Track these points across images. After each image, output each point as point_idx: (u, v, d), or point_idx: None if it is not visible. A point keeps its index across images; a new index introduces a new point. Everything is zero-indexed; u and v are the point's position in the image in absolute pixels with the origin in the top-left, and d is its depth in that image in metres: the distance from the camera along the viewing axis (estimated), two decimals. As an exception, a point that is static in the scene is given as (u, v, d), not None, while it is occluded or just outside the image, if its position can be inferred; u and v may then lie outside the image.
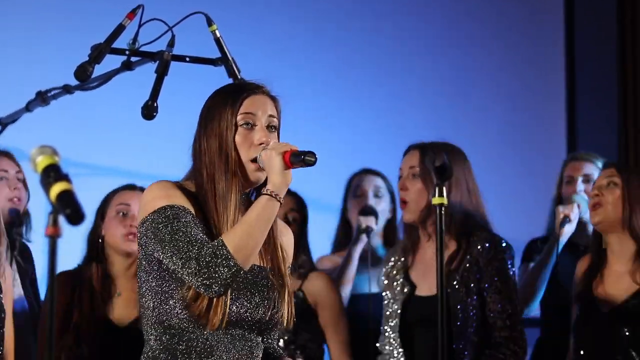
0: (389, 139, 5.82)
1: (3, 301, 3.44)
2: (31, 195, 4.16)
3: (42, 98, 3.59)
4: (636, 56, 6.35)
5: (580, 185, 4.60)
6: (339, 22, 5.92)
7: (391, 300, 3.99)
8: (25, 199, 4.15)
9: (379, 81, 5.99)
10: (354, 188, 4.87)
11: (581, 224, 4.40)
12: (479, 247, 3.85)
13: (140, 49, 3.60)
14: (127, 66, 3.63)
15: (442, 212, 3.35)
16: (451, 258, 3.87)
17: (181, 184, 2.89)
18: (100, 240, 4.02)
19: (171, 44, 3.58)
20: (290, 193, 4.29)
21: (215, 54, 3.68)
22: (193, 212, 2.80)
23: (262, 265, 2.89)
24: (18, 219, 4.10)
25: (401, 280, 3.97)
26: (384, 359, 3.99)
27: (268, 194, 2.78)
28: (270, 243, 2.90)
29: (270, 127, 2.88)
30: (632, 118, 6.31)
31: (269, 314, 2.87)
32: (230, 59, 3.65)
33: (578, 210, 4.34)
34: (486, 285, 3.84)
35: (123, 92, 4.10)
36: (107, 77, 3.61)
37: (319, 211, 4.81)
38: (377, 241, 4.81)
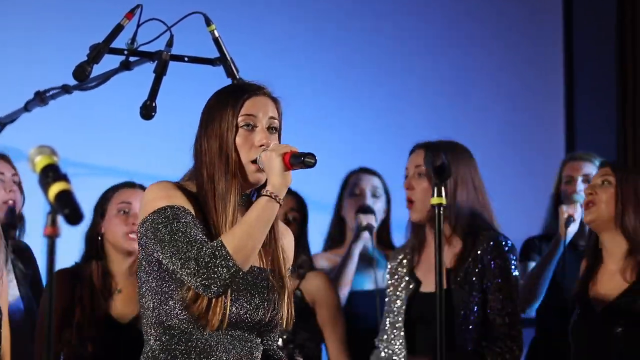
0: (389, 139, 5.82)
1: (-1, 302, 3.45)
2: (29, 196, 4.15)
3: (41, 98, 3.59)
4: (635, 56, 6.35)
5: (580, 185, 4.61)
6: (338, 22, 5.91)
7: (393, 297, 4.01)
8: (21, 202, 4.14)
9: (378, 81, 5.98)
10: (351, 186, 4.87)
11: (581, 224, 4.41)
12: (484, 246, 3.87)
13: (139, 49, 3.60)
14: (125, 66, 3.64)
15: (441, 212, 3.36)
16: (456, 256, 3.89)
17: (182, 184, 2.89)
18: (100, 238, 4.02)
19: (170, 43, 3.58)
20: (291, 193, 4.29)
21: (214, 53, 3.68)
22: (193, 212, 2.81)
23: (262, 266, 2.90)
24: (12, 219, 4.09)
25: (407, 277, 3.98)
26: (379, 353, 4.00)
27: (268, 195, 2.78)
28: (271, 244, 2.91)
29: (271, 129, 2.89)
30: (630, 118, 6.31)
31: (269, 315, 2.87)
32: (228, 58, 3.65)
33: (581, 210, 4.34)
34: (489, 283, 3.86)
35: (122, 92, 4.10)
36: (105, 77, 3.61)
37: (319, 211, 4.81)
38: (369, 241, 4.81)
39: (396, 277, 4.03)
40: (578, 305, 3.87)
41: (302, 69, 5.71)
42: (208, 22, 3.64)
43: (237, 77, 3.63)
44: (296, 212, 4.46)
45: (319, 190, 4.89)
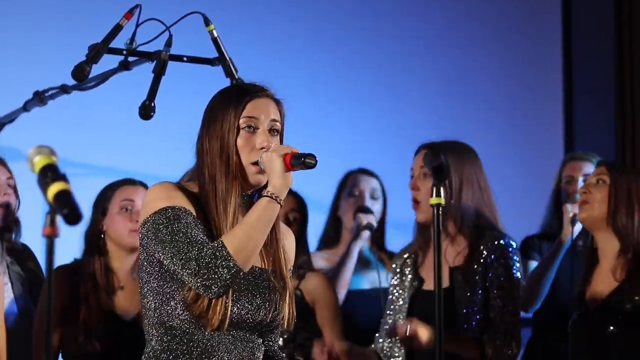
0: (388, 139, 5.82)
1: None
2: (28, 196, 4.15)
3: (40, 98, 3.59)
4: (634, 57, 6.35)
5: (580, 185, 4.61)
6: (338, 22, 5.91)
7: (396, 295, 4.02)
8: (16, 205, 4.14)
9: (378, 81, 5.98)
10: (350, 187, 4.86)
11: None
12: (488, 246, 3.88)
13: (138, 49, 3.60)
14: (124, 66, 3.64)
15: (440, 212, 3.36)
16: (460, 254, 3.90)
17: (183, 185, 2.90)
18: (102, 236, 4.03)
19: (168, 43, 3.58)
20: (291, 193, 4.30)
21: (213, 53, 3.68)
22: (194, 213, 2.81)
23: (263, 267, 2.90)
24: (7, 222, 4.09)
25: (410, 276, 4.00)
26: (375, 348, 4.01)
27: (269, 196, 2.79)
28: (272, 245, 2.91)
29: (272, 131, 2.89)
30: (629, 118, 6.32)
31: (270, 315, 2.88)
32: (227, 58, 3.65)
33: None
34: (491, 282, 3.87)
35: (120, 92, 4.10)
36: (104, 77, 3.61)
37: (317, 211, 4.81)
38: (364, 243, 4.81)
39: (400, 276, 4.04)
40: (577, 304, 3.88)
41: (301, 69, 5.71)
42: (207, 22, 3.64)
43: (236, 77, 3.63)
44: (296, 212, 4.46)
45: (318, 191, 4.89)
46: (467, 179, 3.88)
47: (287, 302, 2.91)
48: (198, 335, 2.81)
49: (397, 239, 4.82)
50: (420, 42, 6.15)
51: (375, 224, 4.72)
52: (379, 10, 6.05)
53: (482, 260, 3.88)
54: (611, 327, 3.73)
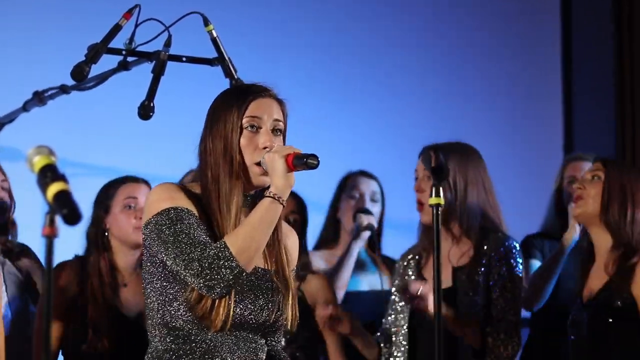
0: (387, 139, 5.82)
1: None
2: (28, 197, 4.14)
3: (39, 98, 3.58)
4: (633, 57, 6.35)
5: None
6: (337, 22, 5.91)
7: (398, 297, 4.02)
8: (11, 207, 4.13)
9: (377, 81, 5.98)
10: (350, 189, 4.86)
11: None
12: (492, 248, 3.90)
13: (137, 49, 3.60)
14: (123, 66, 3.63)
15: (439, 212, 3.36)
16: (464, 255, 3.92)
17: (185, 185, 2.91)
18: (105, 234, 4.04)
19: (168, 43, 3.58)
20: (291, 194, 4.28)
21: (212, 54, 3.67)
22: (196, 214, 2.82)
23: (266, 267, 2.91)
24: (3, 224, 4.08)
25: (414, 277, 4.01)
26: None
27: (271, 197, 2.79)
28: (275, 245, 2.92)
29: (275, 131, 2.89)
30: (629, 118, 6.32)
31: (273, 316, 2.88)
32: (226, 59, 3.65)
33: None
34: (494, 283, 3.88)
35: (120, 92, 4.10)
36: (103, 77, 3.60)
37: (316, 212, 4.81)
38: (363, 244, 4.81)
39: (403, 277, 4.05)
40: (578, 300, 3.89)
41: (301, 69, 5.71)
42: (206, 22, 3.64)
43: (235, 77, 3.63)
44: (297, 214, 4.46)
45: (317, 191, 4.89)
46: (471, 180, 3.89)
47: (290, 302, 2.92)
48: (201, 335, 2.82)
49: (397, 240, 4.82)
50: (419, 42, 6.15)
51: (375, 225, 4.72)
52: (378, 10, 6.06)
53: (486, 262, 3.90)
54: (602, 323, 3.74)
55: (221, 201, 2.83)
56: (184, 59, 3.66)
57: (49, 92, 3.60)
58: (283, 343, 4.04)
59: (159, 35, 3.57)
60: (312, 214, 4.57)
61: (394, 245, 4.80)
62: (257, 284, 2.86)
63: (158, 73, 3.57)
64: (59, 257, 4.04)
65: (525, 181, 6.02)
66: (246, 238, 2.75)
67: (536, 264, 4.59)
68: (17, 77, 4.89)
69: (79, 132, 5.05)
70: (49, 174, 2.19)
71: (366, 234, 4.69)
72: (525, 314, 4.50)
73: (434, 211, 3.36)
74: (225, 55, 3.66)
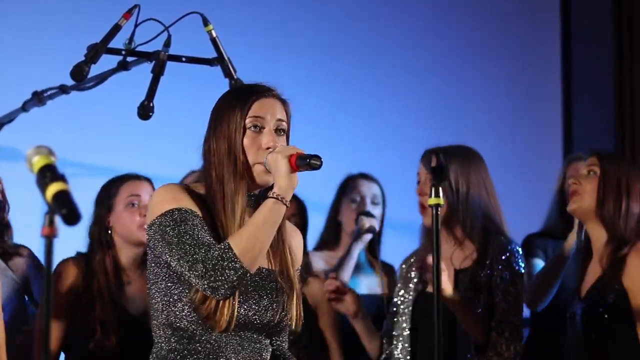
0: (387, 139, 5.82)
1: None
2: (27, 197, 4.14)
3: (39, 98, 3.58)
4: (633, 57, 6.35)
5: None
6: (337, 23, 5.92)
7: (401, 299, 4.03)
8: (4, 208, 4.13)
9: (376, 82, 5.99)
10: (351, 192, 4.85)
11: None
12: (495, 252, 3.91)
13: (137, 49, 3.60)
14: (123, 66, 3.63)
15: (438, 212, 3.37)
16: (467, 258, 3.93)
17: (189, 186, 2.91)
18: (109, 232, 4.04)
19: (167, 43, 3.58)
20: (292, 197, 4.30)
21: (212, 54, 3.67)
22: (200, 214, 2.82)
23: (270, 268, 2.91)
24: None
25: (416, 279, 4.01)
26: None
27: (274, 197, 2.79)
28: (279, 246, 2.92)
29: (278, 131, 2.90)
30: (629, 119, 6.32)
31: (278, 316, 2.89)
32: (226, 59, 3.65)
33: None
34: (496, 287, 3.88)
35: (119, 92, 4.10)
36: (103, 77, 3.60)
37: (316, 212, 4.81)
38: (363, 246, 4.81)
39: (405, 280, 4.06)
40: (576, 296, 3.90)
41: (300, 70, 5.71)
42: (205, 22, 3.64)
43: (235, 77, 3.63)
44: (297, 217, 4.47)
45: (316, 191, 4.89)
46: (473, 182, 3.91)
47: (295, 302, 2.92)
48: (206, 336, 2.82)
49: (396, 240, 4.83)
50: (419, 42, 6.15)
51: (377, 228, 4.72)
52: (378, 10, 6.06)
53: (488, 266, 3.91)
54: (597, 318, 3.75)
55: (226, 201, 2.84)
56: (183, 59, 3.66)
57: (49, 92, 3.59)
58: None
59: (158, 35, 3.57)
60: (311, 214, 4.56)
61: (393, 245, 4.80)
62: (261, 285, 2.87)
63: (157, 73, 3.57)
64: (58, 257, 4.04)
65: (524, 181, 6.02)
66: (250, 239, 2.75)
67: (539, 263, 4.59)
68: (17, 77, 4.89)
69: (79, 132, 5.05)
70: (48, 174, 2.19)
71: (367, 237, 4.69)
72: (525, 313, 4.50)
73: (434, 211, 3.36)
74: (225, 56, 3.66)
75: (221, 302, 2.78)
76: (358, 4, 6.02)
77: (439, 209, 3.38)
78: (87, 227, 4.13)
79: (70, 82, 3.58)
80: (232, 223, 2.82)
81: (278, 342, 2.97)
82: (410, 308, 3.99)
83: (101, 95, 3.96)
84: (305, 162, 2.79)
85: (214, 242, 2.78)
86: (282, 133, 2.91)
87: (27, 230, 4.19)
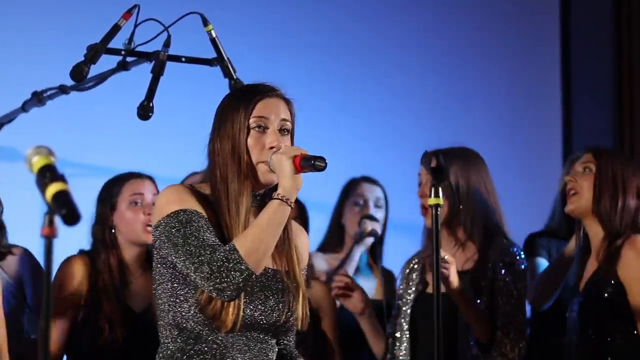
0: (387, 139, 5.82)
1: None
2: (27, 197, 4.14)
3: (38, 98, 3.58)
4: (632, 57, 6.35)
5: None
6: (338, 23, 5.92)
7: (402, 301, 4.04)
8: None
9: (376, 82, 5.99)
10: (354, 195, 4.85)
11: None
12: (497, 254, 3.91)
13: (136, 49, 3.59)
14: (122, 66, 3.63)
15: (438, 212, 3.37)
16: (468, 260, 3.94)
17: (195, 187, 2.91)
18: (112, 231, 4.05)
19: (167, 44, 3.57)
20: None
21: (211, 54, 3.67)
22: (206, 215, 2.82)
23: (276, 268, 2.91)
24: None
25: (417, 280, 4.02)
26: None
27: (279, 199, 2.79)
28: (284, 246, 2.93)
29: (282, 131, 2.90)
30: (628, 119, 6.32)
31: (284, 316, 2.89)
32: (226, 59, 3.64)
33: None
34: (499, 289, 3.88)
35: (119, 92, 4.10)
36: (102, 77, 3.60)
37: (316, 212, 4.81)
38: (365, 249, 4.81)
39: (407, 281, 4.06)
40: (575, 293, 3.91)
41: (300, 70, 5.71)
42: (205, 23, 3.63)
43: (235, 77, 3.63)
44: (298, 219, 4.46)
45: (315, 191, 4.89)
46: (474, 184, 3.92)
47: (301, 302, 2.93)
48: (212, 336, 2.83)
49: (396, 240, 4.83)
50: (419, 42, 6.15)
51: (379, 232, 4.72)
52: (378, 10, 6.06)
53: (490, 268, 3.92)
54: (593, 313, 3.75)
55: (230, 200, 2.84)
56: (183, 59, 3.66)
57: (48, 93, 3.59)
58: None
59: (158, 35, 3.57)
60: (311, 215, 4.56)
61: (394, 245, 4.80)
62: (267, 285, 2.87)
63: (157, 73, 3.56)
64: (58, 257, 4.04)
65: (524, 181, 6.02)
66: (255, 240, 2.75)
67: (542, 262, 4.58)
68: (17, 77, 4.89)
69: (78, 133, 5.05)
70: (48, 174, 2.19)
71: (369, 240, 4.69)
72: (538, 309, 4.51)
73: (433, 211, 3.37)
74: (225, 56, 3.66)
75: (227, 302, 2.78)
76: (358, 4, 6.02)
77: (439, 210, 3.38)
78: (88, 227, 4.12)
79: (69, 82, 3.58)
80: (237, 223, 2.83)
81: (285, 342, 2.98)
82: (410, 309, 4.00)
83: (101, 96, 3.96)
84: (309, 164, 2.80)
85: (219, 243, 2.78)
86: (286, 133, 2.91)
87: (26, 230, 4.19)
